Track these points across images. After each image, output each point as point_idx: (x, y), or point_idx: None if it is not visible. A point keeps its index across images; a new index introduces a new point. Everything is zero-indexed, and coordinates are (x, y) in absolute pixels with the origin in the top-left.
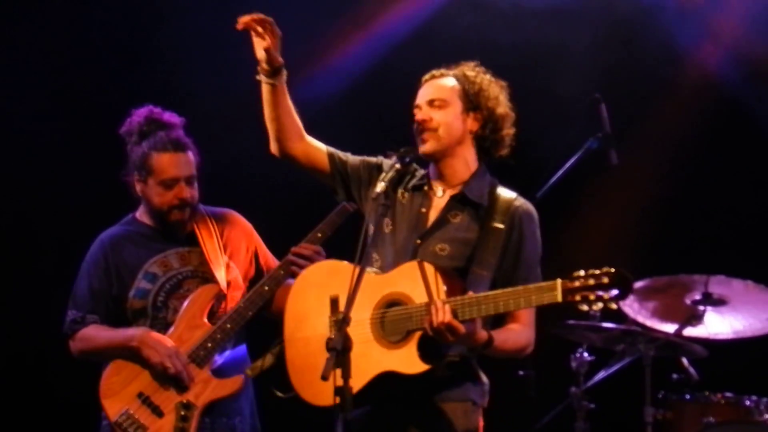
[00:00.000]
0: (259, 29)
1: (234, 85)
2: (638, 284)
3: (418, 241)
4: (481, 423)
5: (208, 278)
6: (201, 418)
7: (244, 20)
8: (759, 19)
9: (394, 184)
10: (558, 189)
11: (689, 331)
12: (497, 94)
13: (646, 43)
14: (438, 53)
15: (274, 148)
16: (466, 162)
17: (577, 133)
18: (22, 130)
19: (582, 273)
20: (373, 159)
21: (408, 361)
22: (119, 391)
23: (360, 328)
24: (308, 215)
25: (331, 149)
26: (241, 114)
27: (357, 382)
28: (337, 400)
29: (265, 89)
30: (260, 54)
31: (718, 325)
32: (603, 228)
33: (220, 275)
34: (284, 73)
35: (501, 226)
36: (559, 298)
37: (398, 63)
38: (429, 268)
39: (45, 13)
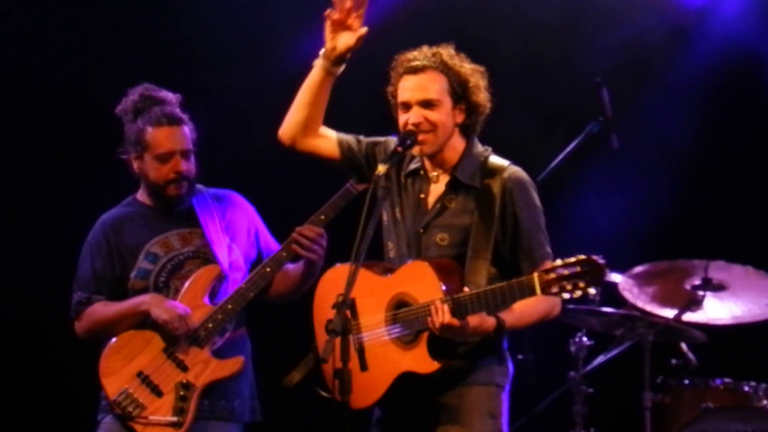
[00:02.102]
0: (344, 16)
1: (235, 67)
2: (638, 269)
3: (421, 230)
4: (505, 405)
5: (210, 259)
6: (200, 399)
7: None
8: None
9: (397, 170)
10: (559, 173)
11: (688, 317)
12: (479, 82)
13: (647, 25)
14: (438, 31)
15: (288, 133)
16: (454, 148)
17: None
18: (25, 114)
19: (558, 263)
20: (382, 139)
21: (421, 360)
22: (119, 370)
23: (377, 330)
24: (311, 197)
25: (341, 136)
26: (245, 96)
27: (382, 384)
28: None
29: (318, 74)
30: (339, 45)
31: (717, 310)
32: (604, 212)
33: (222, 256)
34: (345, 65)
35: (493, 205)
36: (539, 292)
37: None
38: (426, 268)
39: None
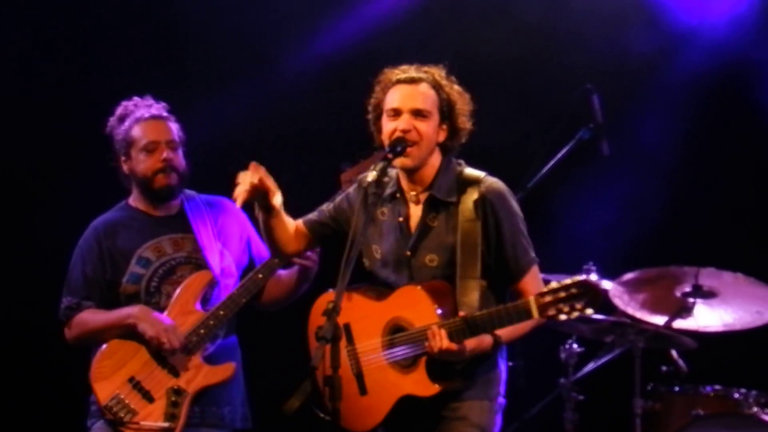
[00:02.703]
0: (255, 190)
1: (229, 70)
2: (628, 276)
3: (408, 253)
4: (497, 419)
5: (202, 265)
6: (191, 405)
7: (246, 194)
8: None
9: (372, 204)
10: (549, 179)
11: (679, 323)
12: (464, 107)
13: (638, 31)
14: (436, 39)
15: (273, 255)
16: (432, 166)
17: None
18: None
19: (553, 286)
20: (338, 198)
21: (421, 384)
22: (110, 375)
23: (374, 355)
24: (302, 205)
25: (307, 219)
26: (235, 101)
27: (383, 408)
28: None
29: (262, 217)
30: (270, 204)
31: (707, 317)
32: (593, 219)
33: (214, 262)
34: (281, 199)
35: (474, 217)
36: (536, 315)
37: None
38: (419, 292)
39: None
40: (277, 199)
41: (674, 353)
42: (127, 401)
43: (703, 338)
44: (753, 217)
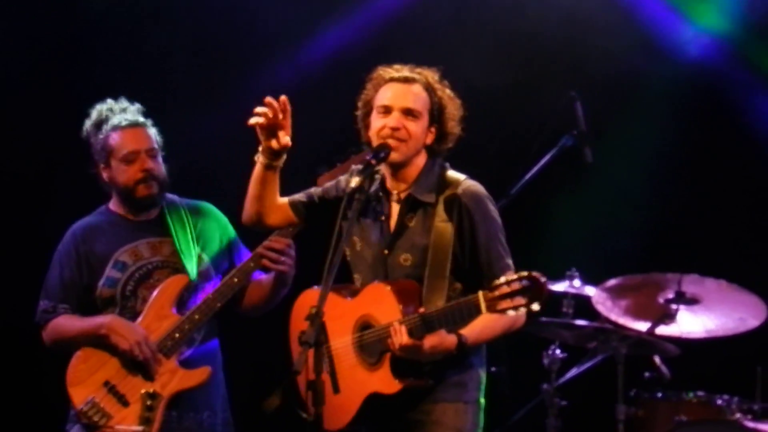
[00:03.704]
0: (272, 122)
1: (213, 79)
2: (611, 282)
3: (386, 252)
4: (475, 420)
5: (179, 269)
6: (167, 409)
7: (258, 117)
8: None
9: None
10: (532, 186)
11: (662, 330)
12: (454, 112)
13: (621, 37)
14: (421, 42)
15: (247, 220)
16: (417, 166)
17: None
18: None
19: (501, 280)
20: (329, 183)
21: (386, 381)
22: (85, 379)
23: (346, 353)
24: None
25: (293, 198)
26: (218, 106)
27: (352, 407)
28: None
29: (260, 169)
30: (273, 143)
31: (690, 323)
32: (576, 226)
33: (191, 266)
34: (284, 157)
35: (448, 221)
36: (484, 310)
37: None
38: (384, 289)
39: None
40: (283, 143)
41: (657, 359)
42: (102, 405)
43: (686, 345)
44: (736, 224)
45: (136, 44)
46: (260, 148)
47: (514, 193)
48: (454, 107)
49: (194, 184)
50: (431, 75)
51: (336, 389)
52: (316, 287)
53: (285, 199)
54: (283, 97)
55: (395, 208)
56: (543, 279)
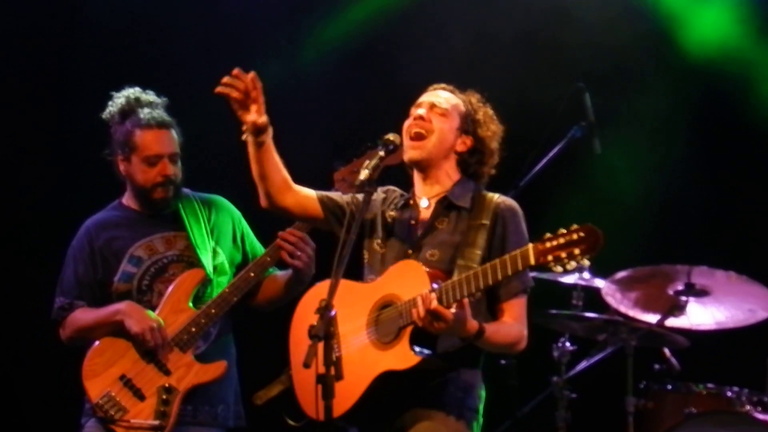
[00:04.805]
0: (242, 96)
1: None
2: (621, 274)
3: (410, 251)
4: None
5: (194, 263)
6: (182, 403)
7: (225, 87)
8: None
9: (381, 206)
10: (541, 177)
11: (671, 322)
12: (494, 129)
13: (629, 29)
14: (423, 43)
15: (264, 202)
16: (447, 174)
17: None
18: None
19: (553, 234)
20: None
21: (401, 357)
22: (101, 373)
23: (356, 337)
24: None
25: (321, 193)
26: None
27: (357, 390)
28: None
29: (252, 149)
30: (246, 119)
31: (700, 315)
32: (586, 218)
33: (206, 260)
34: (270, 130)
35: (485, 222)
36: (532, 261)
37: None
38: (416, 265)
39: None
40: (262, 121)
41: (667, 351)
42: (117, 399)
43: (695, 336)
44: (746, 216)
45: (134, 39)
46: (243, 127)
47: (523, 184)
48: (493, 125)
49: (207, 178)
50: (473, 95)
51: (339, 376)
52: (323, 282)
53: (313, 192)
54: (251, 73)
55: (424, 213)
56: (599, 231)
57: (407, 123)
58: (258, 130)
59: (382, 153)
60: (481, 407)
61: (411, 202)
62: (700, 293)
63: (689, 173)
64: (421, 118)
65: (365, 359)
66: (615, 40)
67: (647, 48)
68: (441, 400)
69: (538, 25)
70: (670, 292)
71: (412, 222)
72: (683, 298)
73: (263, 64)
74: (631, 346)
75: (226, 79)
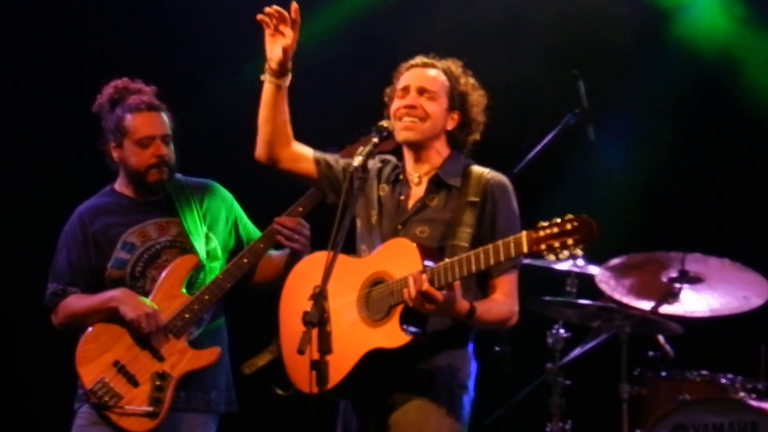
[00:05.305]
0: (281, 26)
1: (216, 55)
2: (615, 261)
3: (400, 227)
4: (465, 406)
5: (187, 249)
6: (176, 389)
7: (269, 13)
8: None
9: (377, 179)
10: (535, 165)
11: (665, 309)
12: (478, 101)
13: (624, 16)
14: (414, 30)
15: (261, 152)
16: (438, 151)
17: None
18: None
19: (546, 223)
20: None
21: (391, 335)
22: (95, 359)
23: (347, 312)
24: (290, 188)
25: (318, 154)
26: (223, 85)
27: (346, 365)
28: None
29: (267, 89)
30: (275, 53)
31: (694, 302)
32: (579, 205)
33: (199, 246)
34: (290, 76)
35: (475, 199)
36: (525, 249)
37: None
38: (408, 244)
39: None
40: (288, 62)
41: (661, 338)
42: (111, 385)
43: (689, 323)
44: (740, 203)
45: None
46: (265, 67)
47: (517, 172)
48: (477, 95)
49: (200, 163)
50: (453, 63)
51: (328, 350)
52: (317, 252)
53: (310, 151)
54: (294, 5)
55: (415, 190)
56: (593, 222)
57: (395, 106)
58: (281, 70)
59: (375, 140)
60: (471, 382)
61: (401, 177)
62: (694, 280)
63: (683, 160)
64: (411, 107)
65: (355, 335)
66: (610, 24)
67: (645, 31)
68: (431, 378)
69: (525, 9)
70: (664, 279)
71: (402, 198)
72: (677, 285)
73: (256, 56)
74: (626, 332)
75: (268, 9)
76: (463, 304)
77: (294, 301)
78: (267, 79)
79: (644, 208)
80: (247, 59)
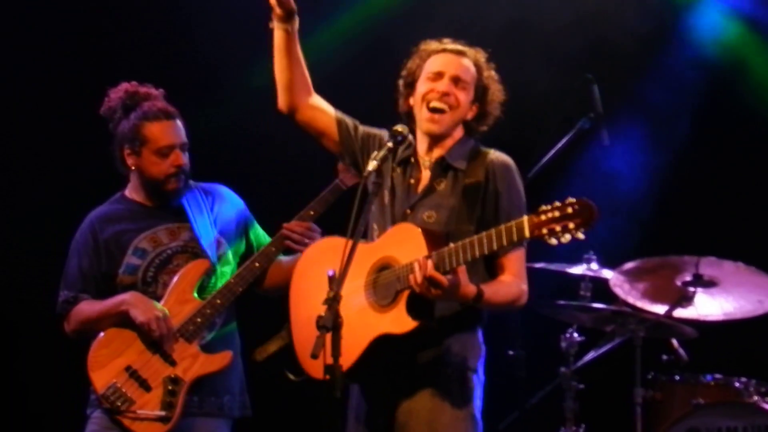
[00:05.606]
0: None
1: (225, 57)
2: (629, 265)
3: (408, 211)
4: (477, 389)
5: (198, 253)
6: (189, 394)
7: None
8: None
9: (392, 158)
10: (550, 169)
11: (679, 313)
12: (498, 96)
13: (637, 19)
14: (422, 35)
15: (282, 101)
16: (453, 138)
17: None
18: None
19: (548, 206)
20: (376, 131)
21: (398, 321)
22: (107, 364)
23: (355, 297)
24: (301, 192)
25: (340, 115)
26: (233, 89)
27: (355, 351)
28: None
29: (278, 36)
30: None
31: (708, 306)
32: None
33: (211, 250)
34: (297, 20)
35: (479, 179)
36: (527, 233)
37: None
38: (414, 229)
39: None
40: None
41: (675, 342)
42: (123, 390)
43: (703, 327)
44: (754, 206)
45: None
46: (272, 15)
47: (532, 176)
48: (496, 89)
49: (211, 168)
50: (480, 53)
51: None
52: (328, 237)
53: (332, 110)
54: None
55: (424, 174)
56: (594, 205)
57: (426, 87)
58: (286, 13)
59: (390, 144)
60: (481, 364)
61: (412, 160)
62: (708, 284)
63: (697, 164)
64: (446, 94)
65: (364, 320)
66: (623, 27)
67: (657, 35)
68: (441, 363)
69: (531, 13)
70: (678, 283)
71: (412, 181)
72: (691, 289)
73: (266, 59)
74: (639, 337)
75: None
76: (470, 288)
77: (304, 287)
78: (276, 26)
79: (658, 212)
80: (257, 63)
